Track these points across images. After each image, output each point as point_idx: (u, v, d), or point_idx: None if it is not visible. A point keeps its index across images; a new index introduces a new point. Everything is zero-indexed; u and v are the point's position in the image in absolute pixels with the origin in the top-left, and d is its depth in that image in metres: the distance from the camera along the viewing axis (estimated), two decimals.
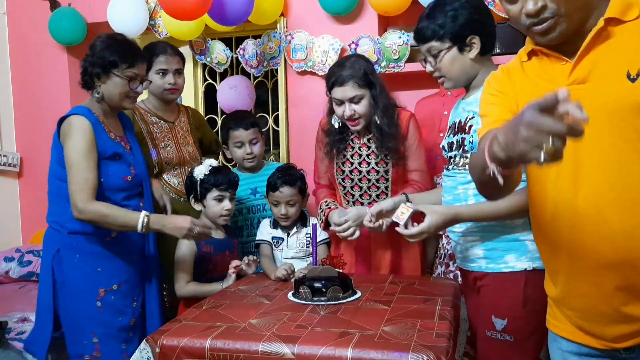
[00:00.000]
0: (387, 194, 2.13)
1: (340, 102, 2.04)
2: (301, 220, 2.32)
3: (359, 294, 1.78)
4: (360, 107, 2.04)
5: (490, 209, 1.54)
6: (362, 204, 2.17)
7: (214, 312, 1.65)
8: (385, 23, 2.98)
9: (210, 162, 2.21)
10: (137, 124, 2.31)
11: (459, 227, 1.66)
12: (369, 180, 2.13)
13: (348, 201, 2.21)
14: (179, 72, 2.38)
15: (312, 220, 2.31)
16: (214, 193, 2.14)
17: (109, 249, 1.95)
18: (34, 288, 2.89)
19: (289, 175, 2.27)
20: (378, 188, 2.13)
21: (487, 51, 1.65)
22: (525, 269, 1.54)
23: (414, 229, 1.59)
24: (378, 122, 2.05)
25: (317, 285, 1.74)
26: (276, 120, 3.22)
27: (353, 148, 2.15)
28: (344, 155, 2.16)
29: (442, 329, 1.45)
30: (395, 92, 3.08)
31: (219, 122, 3.34)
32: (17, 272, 3.05)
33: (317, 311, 1.63)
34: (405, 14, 2.80)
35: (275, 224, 2.31)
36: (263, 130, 3.31)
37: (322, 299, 1.71)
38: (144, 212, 1.88)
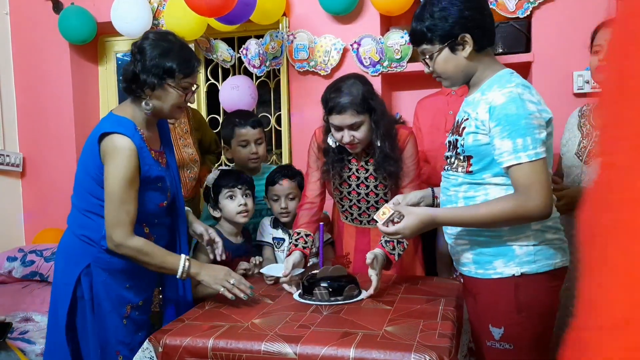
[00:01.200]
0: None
1: (339, 128, 1.94)
2: None
3: (365, 294, 1.78)
4: (360, 133, 1.93)
5: (468, 215, 1.51)
6: (360, 222, 2.14)
7: (217, 312, 1.66)
8: (388, 23, 2.98)
9: (219, 168, 2.23)
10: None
11: (451, 230, 1.64)
12: (368, 201, 2.08)
13: (347, 217, 2.18)
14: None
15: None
16: (224, 192, 2.14)
17: (134, 264, 1.79)
18: (37, 288, 2.90)
19: (288, 169, 2.30)
20: (377, 209, 2.08)
21: (484, 47, 1.57)
22: (514, 275, 1.50)
23: (390, 229, 1.57)
24: (379, 145, 1.97)
25: (334, 285, 1.73)
26: (278, 120, 3.22)
27: (350, 169, 2.08)
28: (341, 176, 2.08)
29: (445, 329, 1.44)
30: (398, 92, 3.12)
31: (221, 122, 3.34)
32: (20, 272, 3.05)
33: (319, 311, 1.63)
34: (407, 13, 2.80)
35: (275, 224, 2.30)
36: (265, 130, 3.32)
37: (339, 298, 1.71)
38: (184, 257, 1.76)
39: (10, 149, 3.37)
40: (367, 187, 2.06)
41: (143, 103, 1.75)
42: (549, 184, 1.44)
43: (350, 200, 2.11)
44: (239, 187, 2.14)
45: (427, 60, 1.61)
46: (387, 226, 1.59)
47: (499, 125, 1.45)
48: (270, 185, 2.25)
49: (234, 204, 2.13)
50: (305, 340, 1.38)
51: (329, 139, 2.04)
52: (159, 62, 1.70)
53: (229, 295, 1.72)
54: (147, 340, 1.51)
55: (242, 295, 1.72)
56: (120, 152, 1.67)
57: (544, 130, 1.44)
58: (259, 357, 1.38)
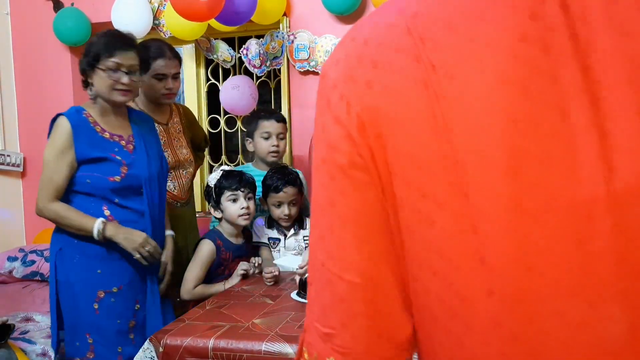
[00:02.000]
0: None
1: None
2: (298, 222, 2.31)
3: None
4: None
5: None
6: None
7: (218, 312, 1.65)
8: None
9: (222, 168, 2.21)
10: None
11: None
12: None
13: None
14: (176, 76, 2.31)
15: (309, 222, 2.31)
16: (227, 194, 2.13)
17: (110, 251, 1.93)
18: (38, 288, 2.90)
19: (289, 175, 2.26)
20: None
21: None
22: None
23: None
24: None
25: None
26: None
27: None
28: None
29: None
30: None
31: (222, 123, 3.34)
32: (21, 272, 3.05)
33: None
34: None
35: (270, 224, 2.29)
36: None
37: None
38: (100, 219, 1.87)
39: (10, 149, 3.37)
40: None
41: (88, 90, 1.95)
42: None
43: None
44: (242, 190, 2.13)
45: None
46: None
47: None
48: (273, 192, 2.22)
49: (235, 206, 2.12)
50: None
51: None
52: (89, 49, 1.91)
53: (143, 262, 1.92)
54: (147, 340, 1.50)
55: (145, 262, 1.93)
56: (55, 129, 1.91)
57: None
58: (260, 357, 1.38)
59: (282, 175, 2.25)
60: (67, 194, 1.93)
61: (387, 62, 0.50)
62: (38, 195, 1.90)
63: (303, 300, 1.74)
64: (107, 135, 1.96)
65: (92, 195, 1.92)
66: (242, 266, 2.06)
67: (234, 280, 2.05)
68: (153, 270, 2.07)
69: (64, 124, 1.90)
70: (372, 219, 0.52)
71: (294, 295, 1.80)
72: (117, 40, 1.91)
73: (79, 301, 1.91)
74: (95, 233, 1.86)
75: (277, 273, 1.98)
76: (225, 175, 2.17)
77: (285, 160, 3.08)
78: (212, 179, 2.18)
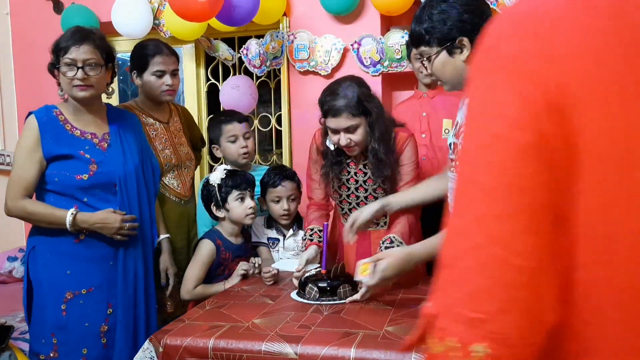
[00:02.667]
0: (385, 215, 2.04)
1: (336, 131, 1.93)
2: (297, 222, 2.31)
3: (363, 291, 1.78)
4: (356, 136, 1.92)
5: (438, 244, 1.52)
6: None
7: (217, 312, 1.65)
8: (388, 22, 2.98)
9: (223, 167, 2.19)
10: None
11: None
12: (367, 204, 2.02)
13: (347, 220, 2.16)
14: (175, 72, 2.31)
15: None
16: (235, 194, 2.11)
17: (77, 253, 1.91)
18: None
19: (286, 170, 2.29)
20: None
21: None
22: None
23: (375, 279, 1.59)
24: (375, 147, 1.95)
25: (323, 285, 1.73)
26: (279, 120, 3.22)
27: (349, 172, 2.07)
28: (339, 179, 2.07)
29: None
30: (398, 92, 3.12)
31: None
32: (21, 272, 3.06)
33: (320, 311, 1.63)
34: (408, 13, 2.79)
35: (269, 224, 2.29)
36: (265, 130, 3.32)
37: (331, 298, 1.72)
38: (70, 210, 1.85)
39: (10, 149, 3.37)
40: (366, 190, 2.05)
41: (59, 91, 1.97)
42: None
43: (350, 204, 2.09)
44: (249, 189, 2.13)
45: (425, 63, 1.60)
46: (373, 278, 1.60)
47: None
48: (271, 187, 2.23)
49: (243, 206, 2.11)
50: (306, 340, 1.38)
51: (327, 141, 2.03)
52: (51, 50, 1.91)
53: (124, 238, 1.92)
54: (147, 340, 1.50)
55: (133, 232, 1.95)
56: (24, 127, 1.92)
57: None
58: (260, 357, 1.38)
59: (280, 171, 2.27)
60: (40, 193, 1.93)
61: (572, 37, 0.48)
62: (6, 195, 1.89)
63: (303, 300, 1.74)
64: (77, 132, 1.95)
65: (62, 194, 1.91)
66: (242, 266, 2.06)
67: (234, 280, 2.05)
68: (128, 275, 2.00)
69: (31, 122, 1.90)
70: (546, 202, 0.51)
71: (293, 295, 1.80)
72: (71, 36, 1.89)
73: (47, 300, 1.90)
74: (68, 224, 1.84)
75: (275, 272, 1.98)
76: (230, 174, 2.15)
77: (285, 160, 3.09)
78: (215, 178, 2.15)
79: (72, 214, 1.84)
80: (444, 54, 1.53)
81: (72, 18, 3.12)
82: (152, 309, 2.06)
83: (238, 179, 2.13)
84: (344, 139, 1.92)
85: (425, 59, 1.59)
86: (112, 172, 1.95)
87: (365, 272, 1.63)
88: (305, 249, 2.03)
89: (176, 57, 2.35)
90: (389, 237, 1.93)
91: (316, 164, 2.11)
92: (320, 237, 2.03)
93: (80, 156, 1.91)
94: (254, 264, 2.09)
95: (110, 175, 1.95)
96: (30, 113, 1.94)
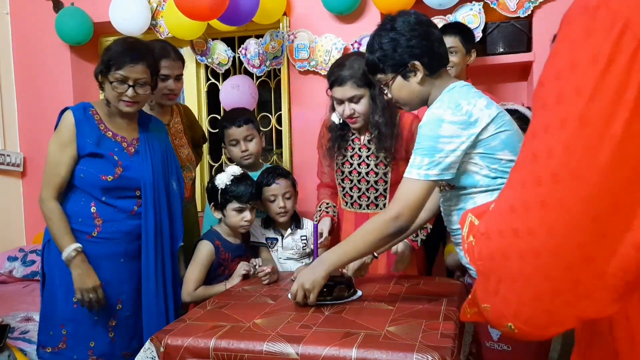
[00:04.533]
0: (385, 196, 2.12)
1: (340, 101, 2.04)
2: (295, 221, 2.31)
3: (360, 293, 1.78)
4: (360, 107, 2.03)
5: (349, 249, 1.63)
6: (360, 205, 2.17)
7: (219, 312, 1.65)
8: None
9: (233, 171, 2.17)
10: None
11: (452, 226, 1.68)
12: (368, 182, 2.13)
13: (347, 202, 2.20)
14: (179, 77, 2.34)
15: (306, 222, 2.31)
16: (234, 204, 2.11)
17: (89, 248, 1.94)
18: (38, 287, 2.89)
19: (279, 169, 2.32)
20: (377, 190, 2.13)
21: (435, 70, 1.61)
22: None
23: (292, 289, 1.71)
24: (377, 120, 2.04)
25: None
26: (279, 120, 3.22)
27: (353, 149, 2.15)
28: (343, 155, 2.15)
29: (447, 329, 1.44)
30: None
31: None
32: (21, 272, 3.05)
33: (321, 311, 1.63)
34: None
35: (267, 224, 2.28)
36: (265, 129, 3.32)
37: (328, 298, 1.71)
38: (74, 247, 1.88)
39: (10, 148, 3.36)
40: (368, 165, 2.12)
41: (101, 92, 2.01)
42: (417, 205, 1.53)
43: (351, 181, 2.16)
44: (250, 203, 2.12)
45: (385, 89, 1.67)
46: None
47: (416, 142, 1.55)
48: (265, 186, 2.23)
49: (239, 217, 2.12)
50: (307, 341, 1.38)
51: (333, 115, 2.14)
52: (103, 57, 1.94)
53: (82, 305, 1.90)
54: (148, 340, 1.50)
55: (90, 307, 1.91)
56: (61, 122, 1.96)
57: (454, 155, 1.50)
58: (261, 357, 1.37)
59: (272, 170, 2.30)
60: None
61: None
62: (42, 186, 1.94)
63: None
64: (109, 134, 2.00)
65: (84, 190, 1.96)
66: (243, 266, 2.06)
67: (235, 280, 2.05)
68: (138, 275, 2.04)
69: (68, 118, 1.94)
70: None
71: (290, 295, 1.79)
72: (127, 53, 1.91)
73: (58, 293, 1.96)
74: (64, 256, 1.89)
75: (269, 270, 1.98)
76: (236, 182, 2.13)
77: (285, 159, 3.08)
78: (221, 181, 2.14)
79: (75, 250, 1.89)
80: (399, 78, 1.61)
81: (66, 20, 3.13)
82: (163, 308, 2.06)
83: (243, 190, 2.11)
84: (347, 109, 2.03)
85: (383, 85, 1.65)
86: (136, 178, 2.00)
87: None
88: (319, 220, 2.18)
89: (182, 61, 2.37)
90: None
91: (325, 142, 2.22)
92: (334, 211, 2.20)
93: (109, 157, 1.96)
94: (255, 265, 2.09)
95: (134, 182, 1.99)
96: (66, 108, 1.98)
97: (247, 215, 2.12)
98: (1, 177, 3.32)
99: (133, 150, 2.03)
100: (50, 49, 3.32)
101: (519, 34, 2.69)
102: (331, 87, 2.06)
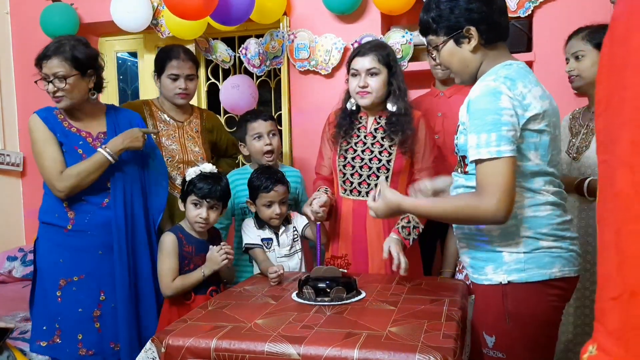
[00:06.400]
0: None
1: (357, 73, 2.07)
2: (285, 218, 2.29)
3: (363, 294, 1.78)
4: (374, 82, 2.06)
5: (429, 206, 1.54)
6: (359, 192, 2.16)
7: (220, 313, 1.65)
8: (389, 22, 2.98)
9: (204, 167, 2.14)
10: (146, 120, 2.38)
11: (455, 232, 1.64)
12: (370, 168, 2.13)
13: (345, 189, 2.18)
14: (191, 77, 2.42)
15: (297, 218, 2.29)
16: (192, 197, 2.09)
17: (68, 242, 2.02)
18: None
19: (276, 174, 2.25)
20: (377, 177, 2.12)
21: (492, 41, 1.50)
22: (501, 282, 1.47)
23: (370, 203, 1.65)
24: (394, 107, 2.08)
25: (320, 285, 1.73)
26: (279, 120, 3.21)
27: (358, 136, 2.16)
28: (348, 142, 2.16)
29: (449, 329, 1.44)
30: None
31: (222, 121, 3.33)
32: (20, 272, 3.05)
33: (323, 311, 1.63)
34: (408, 12, 2.80)
35: (260, 225, 2.25)
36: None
37: (326, 299, 1.71)
38: (101, 148, 2.01)
39: (10, 148, 3.36)
40: (372, 152, 2.13)
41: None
42: (509, 187, 1.36)
43: (353, 167, 2.16)
44: (207, 200, 2.07)
45: (434, 52, 1.60)
46: (374, 200, 1.65)
47: (471, 120, 1.43)
48: (263, 192, 2.19)
49: (194, 212, 2.08)
50: (308, 341, 1.38)
51: (348, 103, 2.17)
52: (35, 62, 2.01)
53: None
54: (150, 340, 1.50)
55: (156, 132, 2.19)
56: (31, 126, 2.05)
57: (515, 128, 1.38)
58: (262, 357, 1.37)
59: (269, 174, 2.23)
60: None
61: None
62: (52, 184, 1.99)
63: (303, 301, 1.73)
64: (74, 129, 2.08)
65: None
66: (274, 269, 1.98)
67: (214, 267, 2.02)
68: (122, 264, 2.08)
69: (35, 119, 2.05)
70: None
71: (294, 296, 1.79)
72: (43, 51, 2.02)
73: (46, 288, 2.03)
74: (110, 159, 2.01)
75: (281, 272, 1.97)
76: (203, 178, 2.10)
77: (286, 159, 3.08)
78: (189, 173, 2.13)
79: (104, 148, 2.01)
80: (451, 43, 1.52)
81: (52, 16, 3.09)
82: (147, 297, 2.14)
83: (204, 185, 2.07)
84: (362, 80, 2.06)
85: (432, 48, 1.59)
86: (120, 181, 2.09)
87: (374, 190, 1.70)
88: (315, 193, 2.16)
89: (193, 61, 2.44)
90: (409, 216, 2.05)
91: (327, 143, 2.24)
92: (332, 195, 2.19)
93: (74, 150, 2.04)
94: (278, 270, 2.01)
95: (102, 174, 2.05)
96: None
97: (202, 212, 2.07)
98: (1, 177, 3.32)
99: (99, 144, 2.08)
100: None
101: (519, 33, 2.68)
102: (353, 58, 2.09)
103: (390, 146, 2.11)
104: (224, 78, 3.24)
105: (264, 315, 1.61)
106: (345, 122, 2.17)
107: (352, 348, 1.33)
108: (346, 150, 2.17)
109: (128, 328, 2.06)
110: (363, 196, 2.14)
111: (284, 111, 3.07)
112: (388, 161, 2.11)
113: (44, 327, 2.01)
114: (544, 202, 1.47)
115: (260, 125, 2.40)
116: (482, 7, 1.47)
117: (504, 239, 1.47)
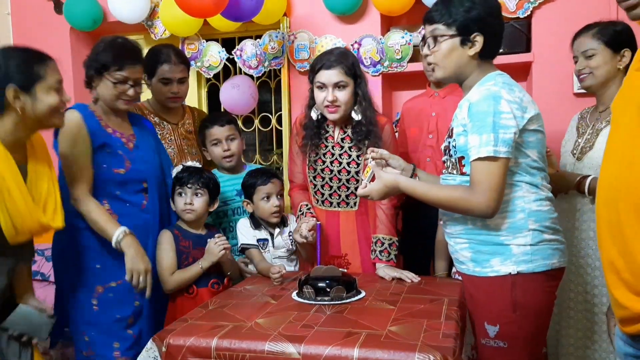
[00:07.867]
0: (356, 195, 2.10)
1: (323, 87, 2.02)
2: (281, 219, 2.29)
3: (363, 294, 1.78)
4: (343, 95, 2.02)
5: (425, 190, 1.64)
6: (331, 203, 2.17)
7: (220, 312, 1.66)
8: (388, 23, 2.99)
9: (188, 163, 2.19)
10: None
11: (450, 229, 1.69)
12: (340, 180, 2.13)
13: (317, 200, 2.19)
14: (183, 80, 2.38)
15: (292, 219, 2.29)
16: (177, 189, 2.13)
17: (110, 247, 1.91)
18: (38, 287, 2.87)
19: (270, 170, 2.31)
20: (348, 188, 2.13)
21: (487, 55, 1.63)
22: (510, 273, 1.55)
23: (361, 190, 1.74)
24: (359, 115, 2.05)
25: (320, 284, 1.74)
26: (279, 120, 3.22)
27: (326, 147, 2.14)
28: (316, 153, 2.15)
29: (448, 328, 1.45)
30: (398, 92, 3.12)
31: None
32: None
33: (323, 311, 1.63)
34: (408, 13, 2.80)
35: (256, 225, 2.26)
36: (265, 130, 3.33)
37: (326, 298, 1.72)
38: (122, 228, 1.89)
39: None
40: (340, 163, 2.13)
41: (92, 92, 2.02)
42: (500, 187, 1.49)
43: (323, 179, 2.16)
44: (189, 186, 2.10)
45: (431, 42, 1.64)
46: (365, 187, 1.73)
47: (472, 121, 1.52)
48: (260, 185, 2.21)
49: (181, 201, 2.11)
50: (309, 340, 1.39)
51: (311, 112, 2.13)
52: (98, 56, 1.96)
53: (132, 282, 1.88)
54: (150, 340, 1.51)
55: (138, 289, 1.90)
56: (66, 120, 1.83)
57: (513, 132, 1.49)
58: (263, 357, 1.38)
59: (264, 171, 2.30)
60: None
61: None
62: (72, 186, 1.91)
63: (303, 300, 1.74)
64: (109, 130, 2.02)
65: (97, 187, 1.96)
66: (276, 269, 1.99)
67: (212, 259, 2.03)
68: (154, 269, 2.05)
69: (74, 114, 1.93)
70: None
71: (294, 295, 1.80)
72: (126, 54, 1.96)
73: (77, 298, 1.97)
74: (113, 241, 1.88)
75: (283, 271, 1.98)
76: (185, 169, 2.15)
77: (285, 159, 3.08)
78: (174, 171, 2.18)
79: (123, 232, 1.88)
80: (457, 40, 1.59)
81: (75, 8, 3.11)
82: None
83: (186, 174, 2.12)
84: (330, 95, 2.02)
85: (433, 37, 1.61)
86: (142, 170, 2.04)
87: (367, 174, 1.79)
88: (301, 217, 2.17)
89: (185, 64, 2.40)
90: (379, 239, 2.08)
91: (299, 140, 2.20)
92: (313, 212, 2.18)
93: (116, 151, 2.00)
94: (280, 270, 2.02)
95: (141, 174, 2.04)
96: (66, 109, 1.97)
97: (187, 198, 2.10)
98: None
99: (132, 145, 2.06)
100: (51, 49, 3.26)
101: (518, 34, 2.69)
102: (317, 72, 2.04)
103: (357, 156, 2.10)
104: (224, 78, 3.24)
105: (265, 314, 1.61)
106: (312, 132, 2.14)
107: (352, 347, 1.34)
108: (315, 162, 2.16)
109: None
110: (335, 207, 2.17)
111: (284, 111, 3.08)
112: (357, 172, 2.11)
113: (77, 338, 1.98)
114: (545, 197, 1.60)
115: (216, 132, 2.40)
116: (494, 21, 1.61)
117: (512, 232, 1.56)
